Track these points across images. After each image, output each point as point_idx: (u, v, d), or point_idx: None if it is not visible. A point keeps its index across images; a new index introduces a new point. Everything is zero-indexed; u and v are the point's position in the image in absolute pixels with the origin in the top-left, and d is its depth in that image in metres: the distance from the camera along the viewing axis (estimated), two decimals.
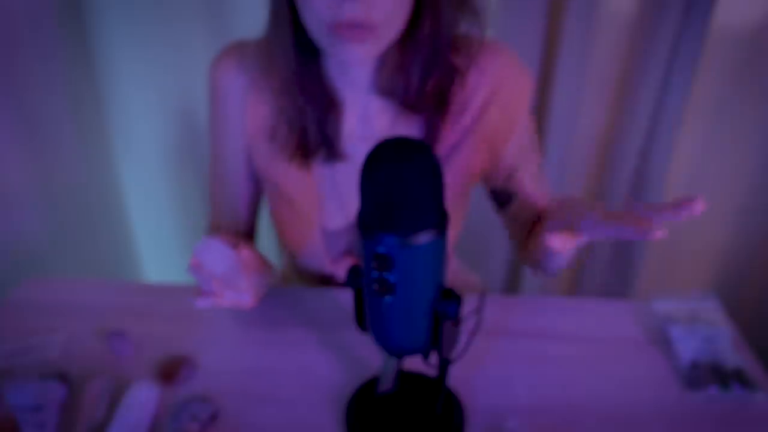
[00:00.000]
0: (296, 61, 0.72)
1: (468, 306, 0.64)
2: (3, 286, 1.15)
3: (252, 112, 0.80)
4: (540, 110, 1.34)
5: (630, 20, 1.24)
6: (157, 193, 1.51)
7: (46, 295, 0.88)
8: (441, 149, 0.79)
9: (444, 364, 0.64)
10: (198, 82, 1.32)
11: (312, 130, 0.76)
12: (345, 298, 0.88)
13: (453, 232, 0.90)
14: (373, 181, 0.51)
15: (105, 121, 1.38)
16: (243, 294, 0.73)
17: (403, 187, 0.50)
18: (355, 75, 0.75)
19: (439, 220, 0.53)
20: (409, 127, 0.78)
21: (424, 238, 0.52)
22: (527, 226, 0.88)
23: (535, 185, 0.85)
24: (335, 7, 0.62)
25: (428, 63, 0.72)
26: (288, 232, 0.89)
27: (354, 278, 0.62)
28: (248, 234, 0.95)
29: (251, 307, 0.77)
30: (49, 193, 1.28)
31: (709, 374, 0.75)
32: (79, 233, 1.36)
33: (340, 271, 0.89)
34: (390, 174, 0.50)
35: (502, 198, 0.87)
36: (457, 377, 0.74)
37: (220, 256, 0.71)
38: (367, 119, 0.78)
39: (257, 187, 0.90)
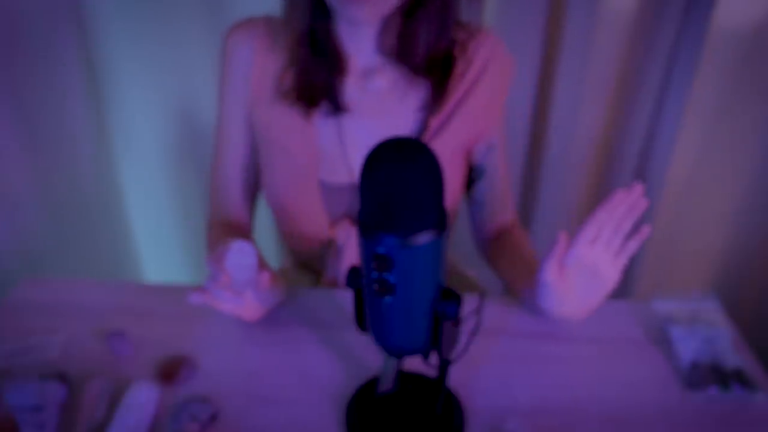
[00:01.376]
0: (310, 16, 0.78)
1: (468, 306, 0.64)
2: (2, 286, 1.15)
3: (257, 74, 0.85)
4: (540, 110, 1.34)
5: (630, 19, 1.24)
6: (157, 192, 1.51)
7: (45, 295, 0.88)
8: (438, 116, 0.84)
9: (444, 365, 0.64)
10: (198, 81, 1.33)
11: (317, 78, 0.82)
12: (345, 298, 0.87)
13: (451, 208, 0.92)
14: (373, 181, 0.51)
15: (104, 120, 1.38)
16: (244, 307, 0.73)
17: (403, 187, 0.50)
18: (361, 34, 0.81)
19: (438, 221, 0.53)
20: (412, 89, 0.84)
21: (423, 238, 0.52)
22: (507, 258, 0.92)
23: (504, 172, 0.94)
24: None
25: (437, 31, 0.79)
26: (286, 192, 0.89)
27: (354, 278, 0.62)
28: (245, 226, 0.96)
29: (251, 321, 0.78)
30: (48, 192, 1.28)
31: (709, 375, 0.75)
32: (79, 233, 1.36)
33: (340, 236, 0.89)
34: (390, 174, 0.50)
35: (472, 174, 0.94)
36: (457, 378, 0.74)
37: (246, 264, 0.71)
38: (370, 75, 0.83)
39: (255, 168, 0.92)
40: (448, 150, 0.85)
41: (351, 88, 0.84)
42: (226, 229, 0.93)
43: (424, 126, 0.85)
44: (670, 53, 1.23)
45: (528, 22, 1.22)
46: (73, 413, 0.70)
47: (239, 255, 0.71)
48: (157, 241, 1.58)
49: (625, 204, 0.69)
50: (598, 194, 1.44)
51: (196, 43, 1.27)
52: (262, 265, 0.74)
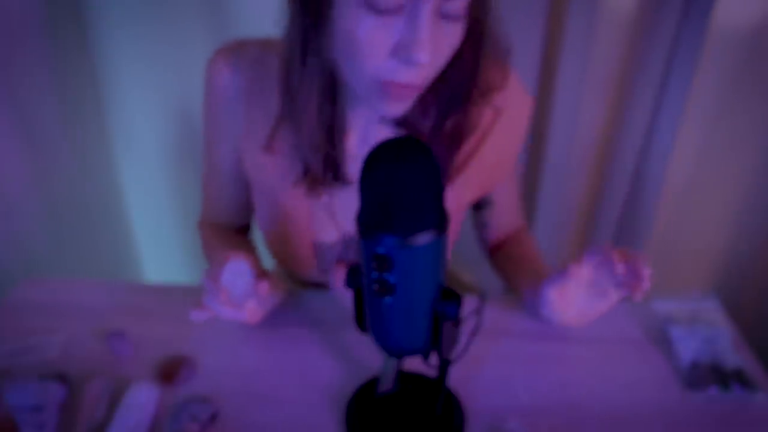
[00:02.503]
0: (317, 104, 0.69)
1: (468, 306, 0.64)
2: (2, 286, 1.15)
3: (246, 116, 0.78)
4: (540, 110, 1.34)
5: (630, 19, 1.24)
6: (157, 192, 1.51)
7: (44, 295, 0.88)
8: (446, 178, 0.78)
9: (444, 365, 0.64)
10: (198, 81, 1.32)
11: (318, 162, 0.74)
12: (345, 298, 0.87)
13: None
14: (372, 181, 0.51)
15: (105, 120, 1.38)
16: (246, 312, 0.72)
17: (403, 187, 0.50)
18: (371, 113, 0.74)
19: (438, 221, 0.53)
20: None
21: (423, 238, 0.52)
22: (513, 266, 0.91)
23: (513, 197, 0.91)
24: (394, 69, 0.61)
25: (450, 104, 0.71)
26: (277, 243, 0.88)
27: (354, 278, 0.62)
28: (241, 230, 0.95)
29: (253, 324, 0.78)
30: (48, 192, 1.28)
31: (709, 375, 0.75)
32: (79, 233, 1.36)
33: (332, 280, 0.89)
34: (390, 174, 0.50)
35: (479, 203, 0.90)
36: (457, 378, 0.74)
37: (241, 281, 0.71)
38: (368, 141, 0.76)
39: (248, 189, 0.89)
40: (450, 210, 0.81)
41: (348, 156, 0.76)
42: (221, 229, 0.92)
43: None
44: (670, 53, 1.23)
45: (528, 22, 1.22)
46: (73, 413, 0.70)
47: (235, 275, 0.70)
48: (157, 241, 1.58)
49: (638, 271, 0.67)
50: (598, 194, 1.44)
51: (197, 43, 1.27)
52: (260, 273, 0.73)
